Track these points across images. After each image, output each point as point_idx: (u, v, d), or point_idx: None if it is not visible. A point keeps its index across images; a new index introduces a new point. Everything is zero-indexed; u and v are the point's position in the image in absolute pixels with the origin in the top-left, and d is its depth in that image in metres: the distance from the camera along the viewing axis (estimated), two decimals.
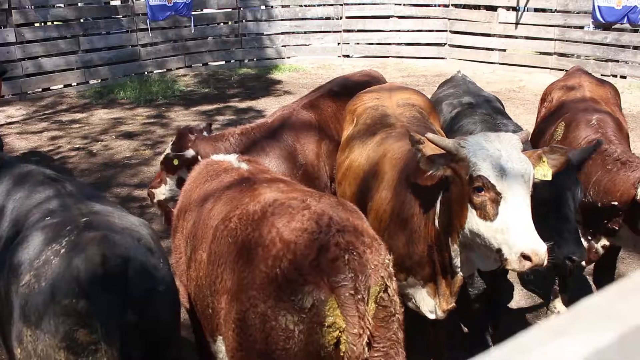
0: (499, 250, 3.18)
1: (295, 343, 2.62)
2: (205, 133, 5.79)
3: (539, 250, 3.03)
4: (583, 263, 5.09)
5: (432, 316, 3.97)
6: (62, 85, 13.97)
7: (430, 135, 3.62)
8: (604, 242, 4.96)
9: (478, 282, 4.94)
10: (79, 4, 14.50)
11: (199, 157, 5.46)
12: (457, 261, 3.62)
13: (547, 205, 3.92)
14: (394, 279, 2.89)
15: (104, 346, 2.69)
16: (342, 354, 2.61)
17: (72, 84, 14.01)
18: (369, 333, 2.64)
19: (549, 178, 3.49)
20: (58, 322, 2.67)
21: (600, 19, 14.31)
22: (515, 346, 0.62)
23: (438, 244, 3.69)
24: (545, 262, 3.06)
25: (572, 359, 0.61)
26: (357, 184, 4.44)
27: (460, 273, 3.66)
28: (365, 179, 4.36)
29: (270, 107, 12.40)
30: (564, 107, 5.60)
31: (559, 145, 3.64)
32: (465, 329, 5.47)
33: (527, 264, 3.04)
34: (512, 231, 3.12)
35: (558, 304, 5.50)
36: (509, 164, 3.21)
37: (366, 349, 2.65)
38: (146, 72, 15.01)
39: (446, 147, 3.48)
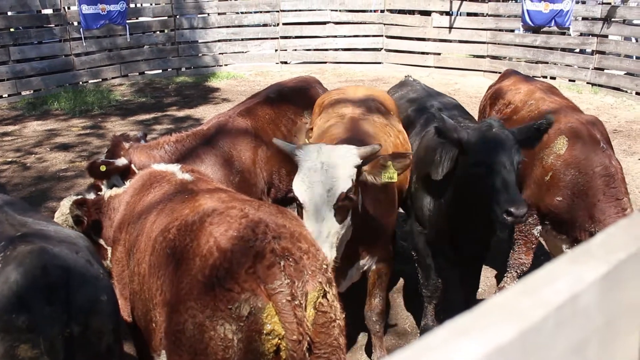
0: None
1: (234, 352, 2.62)
2: (142, 142, 5.72)
3: None
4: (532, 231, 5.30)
5: None
6: None
7: (274, 140, 4.12)
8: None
9: (432, 283, 5.09)
10: (9, 13, 14.10)
11: (132, 166, 5.39)
12: None
13: (484, 167, 4.12)
14: (334, 284, 2.91)
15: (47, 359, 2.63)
16: None
17: (3, 96, 13.61)
18: (308, 339, 2.66)
19: (395, 180, 3.94)
20: None
21: (530, 23, 14.78)
22: (422, 346, 0.66)
23: None
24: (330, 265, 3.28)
25: (474, 356, 0.64)
26: None
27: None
28: None
29: (209, 115, 12.31)
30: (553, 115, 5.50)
31: (403, 152, 4.18)
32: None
33: None
34: None
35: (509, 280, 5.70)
36: (315, 179, 3.64)
37: (307, 354, 2.66)
38: (81, 82, 14.71)
39: (287, 152, 3.91)
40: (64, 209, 4.32)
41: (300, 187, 3.69)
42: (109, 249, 4.11)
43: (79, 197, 4.38)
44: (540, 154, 5.20)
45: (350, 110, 5.12)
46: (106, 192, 4.25)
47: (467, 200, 4.38)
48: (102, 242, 4.21)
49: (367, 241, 4.41)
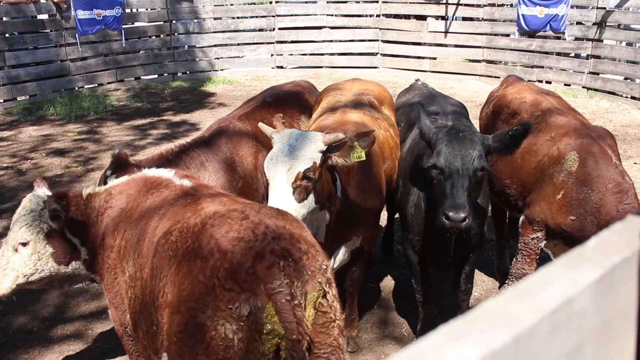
0: None
1: (235, 352, 2.64)
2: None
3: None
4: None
5: None
6: None
7: (260, 124, 4.62)
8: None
9: (424, 288, 5.12)
10: (4, 18, 14.09)
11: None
12: None
13: (437, 169, 4.24)
14: (334, 285, 2.93)
15: None
16: None
17: None
18: (308, 338, 2.68)
19: (364, 158, 4.23)
20: None
21: (525, 27, 14.83)
22: (415, 351, 0.66)
23: None
24: None
25: None
26: None
27: None
28: None
29: (205, 120, 12.33)
30: (563, 129, 5.35)
31: (366, 131, 4.38)
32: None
33: None
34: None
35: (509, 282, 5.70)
36: (279, 159, 4.04)
37: (306, 354, 2.68)
38: (76, 87, 14.69)
39: (267, 135, 4.37)
40: (29, 204, 3.89)
41: (267, 165, 4.10)
42: (82, 250, 3.91)
43: (54, 191, 4.02)
44: (550, 170, 5.11)
45: (342, 104, 5.45)
46: (84, 190, 4.04)
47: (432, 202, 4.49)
48: (75, 241, 3.94)
49: (352, 224, 4.74)
